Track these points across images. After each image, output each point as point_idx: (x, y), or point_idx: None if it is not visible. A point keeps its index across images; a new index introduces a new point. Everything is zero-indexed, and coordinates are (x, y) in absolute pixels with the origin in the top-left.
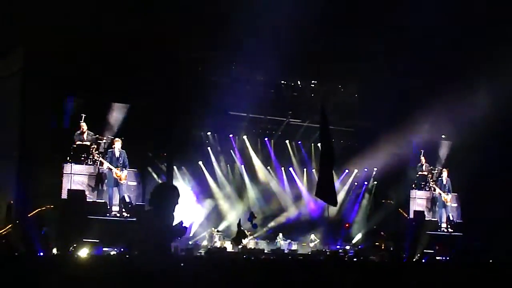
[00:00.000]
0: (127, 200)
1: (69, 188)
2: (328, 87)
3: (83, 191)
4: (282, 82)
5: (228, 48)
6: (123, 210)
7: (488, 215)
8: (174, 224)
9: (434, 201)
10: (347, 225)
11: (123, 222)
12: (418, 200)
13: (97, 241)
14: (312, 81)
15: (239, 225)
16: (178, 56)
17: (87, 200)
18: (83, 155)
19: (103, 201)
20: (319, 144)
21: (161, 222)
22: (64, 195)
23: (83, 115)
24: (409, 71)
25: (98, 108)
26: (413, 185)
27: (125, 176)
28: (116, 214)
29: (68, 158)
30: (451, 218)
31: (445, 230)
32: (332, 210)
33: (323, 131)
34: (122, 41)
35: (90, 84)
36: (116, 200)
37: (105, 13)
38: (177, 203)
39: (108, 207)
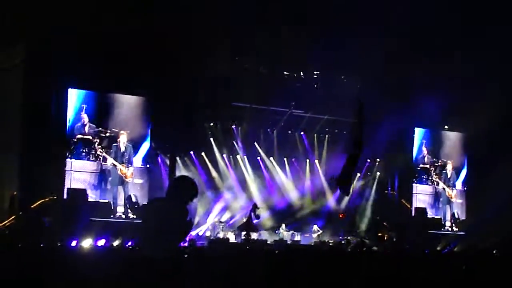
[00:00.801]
0: (133, 199)
1: (69, 186)
2: (331, 78)
3: (85, 190)
4: (285, 73)
5: (231, 39)
6: (129, 211)
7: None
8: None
9: (437, 197)
10: (341, 215)
11: (129, 224)
12: (420, 196)
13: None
14: (315, 72)
15: (249, 217)
16: (180, 49)
17: (89, 200)
18: (84, 150)
19: (106, 201)
20: (323, 134)
21: (178, 216)
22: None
23: (84, 106)
24: (411, 60)
25: (101, 100)
26: (415, 179)
27: (131, 173)
28: (121, 215)
29: (68, 153)
30: (456, 216)
31: (449, 229)
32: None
33: (358, 127)
34: (124, 33)
35: (92, 76)
36: (121, 200)
37: (107, 5)
38: (195, 197)
39: (113, 207)
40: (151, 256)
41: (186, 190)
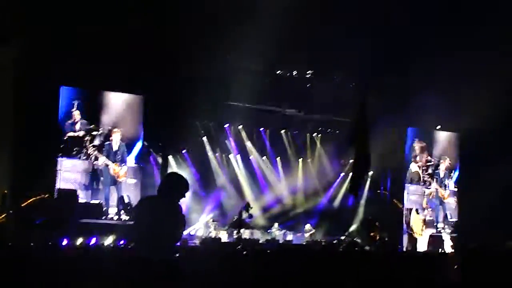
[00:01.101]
0: (126, 200)
1: (59, 187)
2: (324, 77)
3: (75, 190)
4: (278, 72)
5: (223, 37)
6: (122, 212)
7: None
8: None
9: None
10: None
11: (122, 226)
12: (412, 196)
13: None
14: (308, 71)
15: (240, 213)
16: (174, 48)
17: (80, 201)
18: (75, 149)
19: (98, 202)
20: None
21: (171, 213)
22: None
23: (76, 102)
24: (404, 60)
25: (93, 98)
26: (407, 179)
27: (124, 173)
28: (113, 217)
29: (58, 152)
30: (448, 217)
31: (442, 230)
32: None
33: (360, 129)
34: (117, 32)
35: (85, 74)
36: (113, 200)
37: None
38: (186, 192)
39: (104, 208)
40: (147, 256)
41: (177, 187)
